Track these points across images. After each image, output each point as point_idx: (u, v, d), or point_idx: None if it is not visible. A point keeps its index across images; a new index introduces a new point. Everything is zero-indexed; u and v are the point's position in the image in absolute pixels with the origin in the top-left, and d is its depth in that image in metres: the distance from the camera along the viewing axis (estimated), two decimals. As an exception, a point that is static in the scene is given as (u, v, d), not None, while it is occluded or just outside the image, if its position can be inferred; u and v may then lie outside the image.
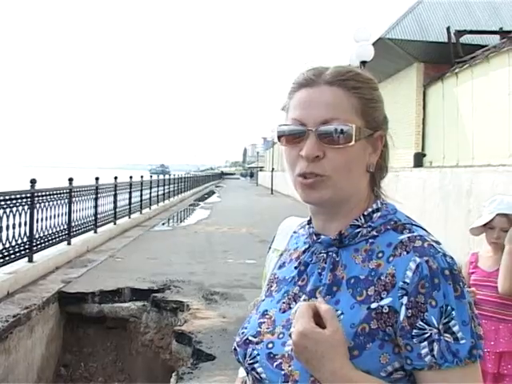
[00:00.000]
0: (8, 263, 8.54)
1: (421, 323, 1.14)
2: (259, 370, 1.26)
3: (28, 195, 9.35)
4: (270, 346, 1.26)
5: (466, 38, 17.17)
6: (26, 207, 9.22)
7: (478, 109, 14.24)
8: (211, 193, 48.10)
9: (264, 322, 1.32)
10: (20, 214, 8.99)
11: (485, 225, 3.63)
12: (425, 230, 1.27)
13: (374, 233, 1.27)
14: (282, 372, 1.21)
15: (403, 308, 1.15)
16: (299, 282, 1.33)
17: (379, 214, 1.30)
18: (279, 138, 1.31)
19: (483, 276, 3.61)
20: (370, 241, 1.26)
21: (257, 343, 1.29)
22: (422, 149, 17.74)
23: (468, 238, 7.64)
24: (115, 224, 16.11)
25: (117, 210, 16.48)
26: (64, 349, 8.52)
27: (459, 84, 15.40)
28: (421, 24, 17.60)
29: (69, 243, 11.61)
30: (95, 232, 13.81)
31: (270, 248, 1.59)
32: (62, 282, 9.07)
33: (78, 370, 8.35)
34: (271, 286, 1.41)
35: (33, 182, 9.51)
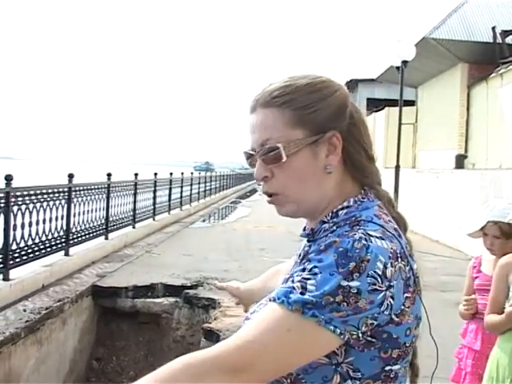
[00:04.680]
0: (44, 256, 8.64)
1: (291, 273, 1.25)
2: None
3: (65, 189, 9.46)
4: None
5: (512, 38, 16.82)
6: (63, 201, 9.33)
7: (523, 110, 13.94)
8: (253, 191, 48.05)
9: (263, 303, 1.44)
10: (57, 208, 9.10)
11: (481, 229, 3.49)
12: (386, 229, 1.27)
13: (335, 228, 1.31)
14: None
15: None
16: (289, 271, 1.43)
17: (346, 210, 1.34)
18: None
19: (487, 281, 3.45)
20: (329, 235, 1.29)
21: (253, 313, 1.40)
22: (465, 150, 17.44)
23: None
24: (154, 220, 16.22)
25: (156, 205, 16.58)
26: (97, 342, 8.62)
27: (504, 85, 15.06)
28: (466, 24, 17.25)
29: (106, 238, 11.73)
30: (133, 227, 13.92)
31: None
32: (96, 276, 9.17)
33: (110, 364, 8.43)
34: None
35: (70, 176, 9.63)
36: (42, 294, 7.80)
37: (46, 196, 8.64)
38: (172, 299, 8.73)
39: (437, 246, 14.05)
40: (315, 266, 1.18)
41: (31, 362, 6.69)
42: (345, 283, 1.15)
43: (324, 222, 1.35)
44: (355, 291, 1.15)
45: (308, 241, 1.41)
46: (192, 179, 23.86)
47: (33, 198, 8.20)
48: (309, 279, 1.17)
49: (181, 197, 20.65)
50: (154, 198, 16.43)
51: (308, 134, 1.31)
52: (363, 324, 1.17)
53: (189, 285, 9.00)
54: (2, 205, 7.34)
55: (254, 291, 1.92)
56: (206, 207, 25.77)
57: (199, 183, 25.67)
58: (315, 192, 1.35)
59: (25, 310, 6.95)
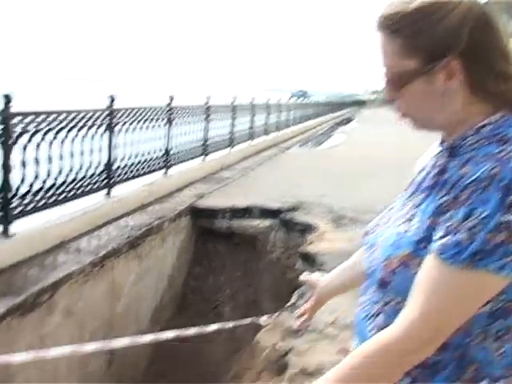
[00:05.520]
0: (144, 175, 8.77)
1: (450, 213, 1.18)
2: (365, 256, 1.45)
3: (166, 111, 9.52)
4: (373, 236, 1.45)
5: None
6: (163, 123, 9.41)
7: None
8: (349, 119, 47.36)
9: (384, 217, 1.47)
10: (157, 129, 9.19)
11: None
12: None
13: (478, 145, 1.27)
14: (371, 258, 1.41)
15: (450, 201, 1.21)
16: (421, 183, 1.41)
17: (490, 127, 1.28)
18: None
19: None
20: (473, 151, 1.26)
21: (371, 233, 1.48)
22: None
23: None
24: (251, 144, 16.24)
25: (253, 129, 16.56)
26: (194, 261, 8.81)
27: None
28: None
29: (204, 160, 11.83)
30: (231, 150, 13.98)
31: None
32: (194, 197, 9.28)
33: (207, 283, 8.63)
34: (408, 187, 1.49)
35: (171, 98, 9.66)
36: (141, 211, 7.99)
37: (147, 116, 8.73)
38: (268, 222, 8.75)
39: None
40: (483, 211, 1.13)
41: (132, 277, 6.92)
42: (505, 218, 1.12)
43: (465, 138, 1.30)
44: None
45: (445, 154, 1.36)
46: (289, 105, 23.67)
47: (134, 118, 8.29)
48: (475, 226, 1.14)
49: (278, 121, 20.54)
50: (252, 121, 16.41)
51: (421, 63, 1.27)
52: None
53: (285, 208, 8.99)
54: (106, 124, 7.45)
55: (331, 288, 1.90)
56: (302, 133, 25.55)
57: (296, 109, 25.46)
58: (439, 115, 1.32)
59: (126, 226, 7.16)
